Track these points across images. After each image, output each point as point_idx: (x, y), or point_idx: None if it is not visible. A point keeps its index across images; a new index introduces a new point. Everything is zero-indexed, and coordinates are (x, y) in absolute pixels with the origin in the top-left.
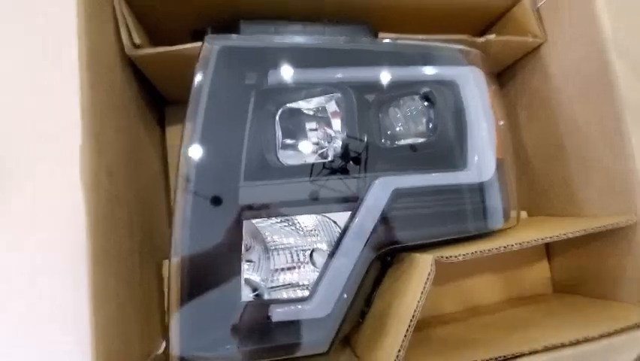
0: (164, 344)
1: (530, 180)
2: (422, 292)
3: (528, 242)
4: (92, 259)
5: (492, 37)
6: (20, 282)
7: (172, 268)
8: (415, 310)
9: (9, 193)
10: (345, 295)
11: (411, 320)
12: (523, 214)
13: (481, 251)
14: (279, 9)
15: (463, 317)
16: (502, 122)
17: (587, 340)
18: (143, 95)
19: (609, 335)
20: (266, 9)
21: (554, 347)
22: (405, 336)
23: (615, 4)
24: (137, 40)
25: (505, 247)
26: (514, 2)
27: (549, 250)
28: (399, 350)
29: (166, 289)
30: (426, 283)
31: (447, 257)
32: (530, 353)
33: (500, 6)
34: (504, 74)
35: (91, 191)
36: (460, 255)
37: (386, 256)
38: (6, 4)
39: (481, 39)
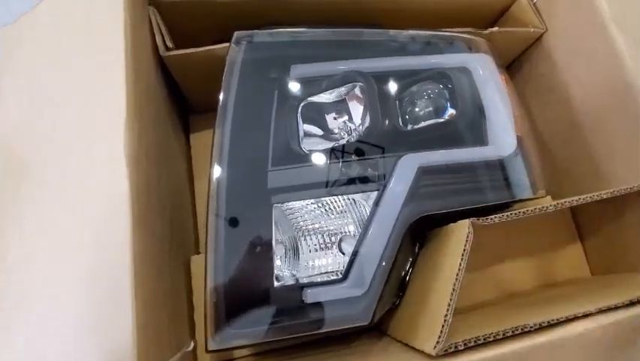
0: (192, 344)
1: (551, 165)
2: (463, 255)
3: (562, 203)
4: (134, 231)
5: (495, 29)
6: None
7: (208, 255)
8: (456, 276)
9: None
10: (379, 275)
11: (454, 288)
12: (548, 199)
13: (515, 213)
14: (295, 15)
15: (498, 301)
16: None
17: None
18: (171, 101)
19: None
20: (283, 16)
21: (608, 309)
22: (450, 300)
23: None
24: (170, 44)
25: (539, 208)
26: (511, 1)
27: (580, 230)
28: (446, 315)
29: (194, 285)
30: (465, 245)
31: (482, 220)
32: (584, 316)
33: (499, 3)
34: (511, 67)
35: (133, 167)
36: (495, 217)
37: (417, 238)
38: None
39: (486, 31)
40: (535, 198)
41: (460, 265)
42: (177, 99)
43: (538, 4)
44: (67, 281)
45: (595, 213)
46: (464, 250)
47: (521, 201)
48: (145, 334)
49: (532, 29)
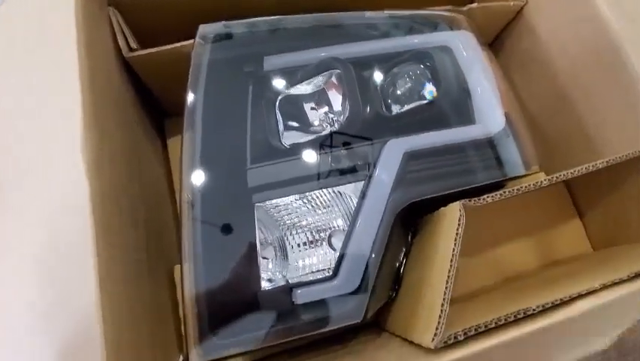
0: (181, 357)
1: (542, 141)
2: (456, 238)
3: (557, 177)
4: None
5: (474, 5)
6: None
7: (184, 267)
8: (450, 262)
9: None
10: (370, 268)
11: (449, 275)
12: (541, 175)
13: (509, 191)
14: (267, 6)
15: (499, 286)
16: (501, 81)
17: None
18: (142, 104)
19: None
20: (253, 7)
21: (613, 283)
22: (446, 288)
23: None
24: (134, 45)
25: (534, 184)
26: None
27: (578, 206)
28: (442, 304)
29: (180, 295)
30: (458, 228)
31: (474, 200)
32: (588, 294)
33: None
34: (493, 44)
35: (94, 172)
36: (488, 197)
37: (409, 227)
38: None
39: (464, 8)
40: (529, 175)
41: (454, 250)
42: (150, 103)
43: None
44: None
45: (591, 186)
46: (457, 233)
47: (514, 178)
48: (118, 354)
49: (511, 3)
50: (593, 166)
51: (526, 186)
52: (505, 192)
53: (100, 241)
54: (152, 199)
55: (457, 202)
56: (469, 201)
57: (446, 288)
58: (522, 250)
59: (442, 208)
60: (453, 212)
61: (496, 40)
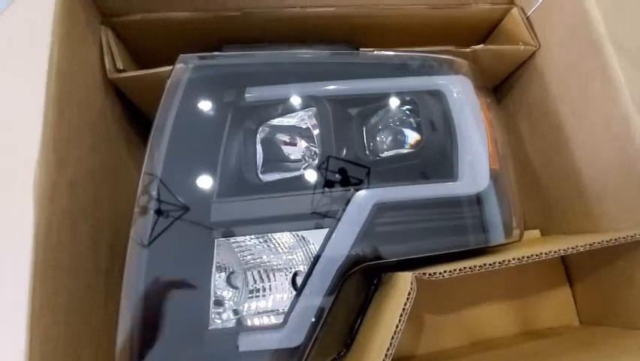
0: None
1: (542, 197)
2: (402, 314)
3: (529, 257)
4: (35, 273)
5: (480, 47)
6: None
7: (125, 292)
8: (394, 331)
9: None
10: (318, 323)
11: (391, 342)
12: (537, 233)
13: (470, 268)
14: (262, 32)
15: (467, 352)
16: (498, 135)
17: None
18: (128, 120)
19: None
20: (250, 33)
21: None
22: (386, 356)
23: (607, 4)
24: (120, 65)
25: (500, 262)
26: (503, 14)
27: (570, 274)
28: None
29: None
30: (405, 304)
31: (429, 274)
32: None
33: (489, 19)
34: (500, 88)
35: (43, 201)
36: (445, 271)
37: (371, 283)
38: None
39: (468, 49)
40: (510, 243)
41: (399, 322)
42: (137, 115)
43: (531, 18)
44: None
45: (586, 256)
46: (404, 308)
47: (492, 246)
48: None
49: (522, 47)
50: (582, 247)
51: (490, 264)
52: (465, 268)
53: (39, 267)
54: (124, 219)
55: (410, 274)
56: (424, 274)
57: (386, 356)
58: (501, 313)
59: (397, 274)
60: (404, 283)
61: (505, 83)
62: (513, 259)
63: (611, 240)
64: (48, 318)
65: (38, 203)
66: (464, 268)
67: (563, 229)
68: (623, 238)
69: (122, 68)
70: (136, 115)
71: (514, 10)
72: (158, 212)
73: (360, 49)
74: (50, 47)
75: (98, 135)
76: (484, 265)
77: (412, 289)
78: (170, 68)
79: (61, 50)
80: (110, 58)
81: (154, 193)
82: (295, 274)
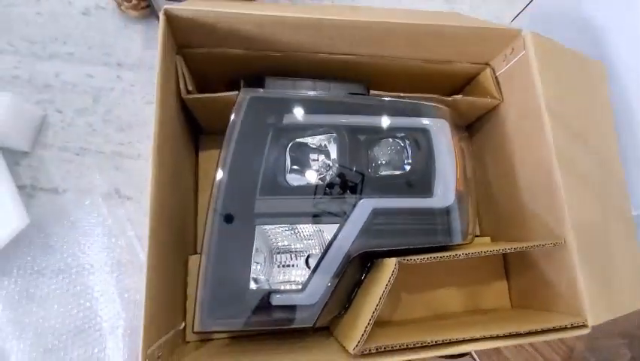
0: (183, 324)
1: (495, 212)
2: (386, 286)
3: (473, 253)
4: (151, 237)
5: (459, 97)
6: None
7: (202, 260)
8: (379, 300)
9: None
10: (328, 290)
11: (376, 307)
12: (487, 239)
13: (436, 258)
14: (297, 68)
15: (427, 319)
16: (466, 164)
17: (517, 334)
18: (187, 127)
19: (536, 332)
20: (287, 68)
21: (490, 337)
22: (371, 317)
23: (550, 77)
24: (190, 88)
25: (455, 255)
26: (479, 71)
27: (507, 269)
28: (366, 326)
29: (189, 279)
30: (390, 278)
31: (408, 260)
32: (469, 341)
33: (467, 74)
34: (473, 126)
35: (154, 193)
36: (418, 258)
37: (365, 265)
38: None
39: (450, 98)
40: (465, 244)
41: (383, 293)
42: (192, 123)
43: (499, 78)
44: None
45: (516, 255)
46: (388, 282)
47: (453, 245)
48: (151, 309)
49: (489, 99)
50: (504, 250)
51: (452, 255)
52: (434, 257)
53: (152, 242)
54: (183, 206)
55: (394, 258)
56: (404, 259)
57: (372, 317)
58: (453, 295)
59: (385, 259)
60: (390, 265)
61: (476, 123)
62: (463, 253)
63: (525, 247)
64: (155, 271)
65: (152, 194)
66: (431, 257)
67: (507, 237)
68: (537, 245)
69: (190, 89)
70: (191, 123)
71: (487, 70)
72: (223, 207)
73: (370, 91)
74: (157, 71)
75: (173, 141)
76: (445, 256)
77: (394, 269)
78: (227, 94)
79: (161, 73)
80: (183, 81)
81: (221, 192)
82: (309, 256)
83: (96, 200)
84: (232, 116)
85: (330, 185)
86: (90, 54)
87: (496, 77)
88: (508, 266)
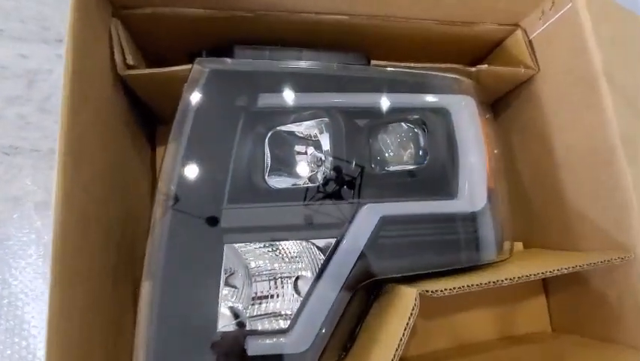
0: None
1: (526, 210)
2: (405, 328)
3: (519, 278)
4: (55, 279)
5: (484, 67)
6: None
7: (143, 291)
8: (397, 348)
9: None
10: (324, 330)
11: (396, 351)
12: (519, 245)
13: (468, 286)
14: (274, 34)
15: (452, 354)
16: (495, 152)
17: None
18: (134, 115)
19: None
20: (261, 34)
21: None
22: None
23: (606, 38)
24: (131, 61)
25: (494, 282)
26: (507, 34)
27: (546, 285)
28: None
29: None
30: (409, 318)
31: (432, 291)
32: None
33: (493, 37)
34: (498, 104)
35: (62, 208)
36: (446, 289)
37: (371, 289)
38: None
39: (473, 69)
40: (500, 261)
41: (404, 333)
42: (143, 111)
43: (534, 42)
44: None
45: None
46: (407, 323)
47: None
48: None
49: (522, 70)
50: (566, 269)
51: (485, 283)
52: (463, 286)
53: (57, 270)
54: (132, 218)
55: (415, 290)
56: (426, 291)
57: None
58: (481, 319)
59: (401, 288)
60: (408, 298)
61: (502, 99)
62: (505, 279)
63: (590, 263)
64: (66, 323)
65: (56, 209)
66: (462, 286)
67: (542, 242)
68: (601, 262)
69: (132, 63)
70: (141, 110)
71: (518, 32)
72: (174, 216)
73: (372, 61)
74: (66, 41)
75: (107, 134)
76: (481, 283)
77: (415, 305)
78: (184, 67)
79: (76, 43)
80: (120, 53)
81: (170, 195)
82: (297, 278)
83: (27, 212)
84: (183, 98)
85: (323, 186)
86: (23, 29)
87: (529, 41)
88: (548, 280)
